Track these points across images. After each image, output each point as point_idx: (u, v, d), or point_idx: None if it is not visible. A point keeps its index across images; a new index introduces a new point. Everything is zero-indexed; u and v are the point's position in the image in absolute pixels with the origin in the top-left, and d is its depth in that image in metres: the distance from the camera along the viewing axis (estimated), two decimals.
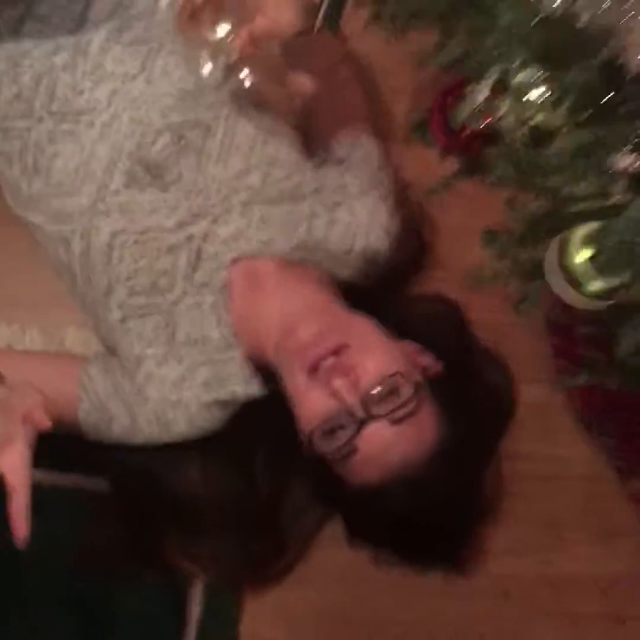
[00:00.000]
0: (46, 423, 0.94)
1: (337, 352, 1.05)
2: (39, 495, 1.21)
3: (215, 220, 1.13)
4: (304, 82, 1.31)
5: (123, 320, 1.12)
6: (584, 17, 0.74)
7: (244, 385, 1.13)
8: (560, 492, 1.28)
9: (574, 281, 0.90)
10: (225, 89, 1.17)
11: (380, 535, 1.15)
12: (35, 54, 1.19)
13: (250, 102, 1.22)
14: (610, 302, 0.86)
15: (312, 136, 1.33)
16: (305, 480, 1.18)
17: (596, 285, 0.88)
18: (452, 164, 1.24)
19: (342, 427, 1.04)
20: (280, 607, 1.24)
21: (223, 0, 1.01)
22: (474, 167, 1.05)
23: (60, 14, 1.22)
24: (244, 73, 1.08)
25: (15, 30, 1.22)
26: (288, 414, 1.13)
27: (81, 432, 1.16)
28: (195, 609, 1.24)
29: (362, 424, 1.03)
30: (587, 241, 0.88)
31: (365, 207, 1.21)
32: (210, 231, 1.13)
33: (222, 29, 1.01)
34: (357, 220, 1.20)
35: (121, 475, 1.21)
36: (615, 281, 0.84)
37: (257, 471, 1.19)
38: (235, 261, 1.13)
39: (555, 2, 0.72)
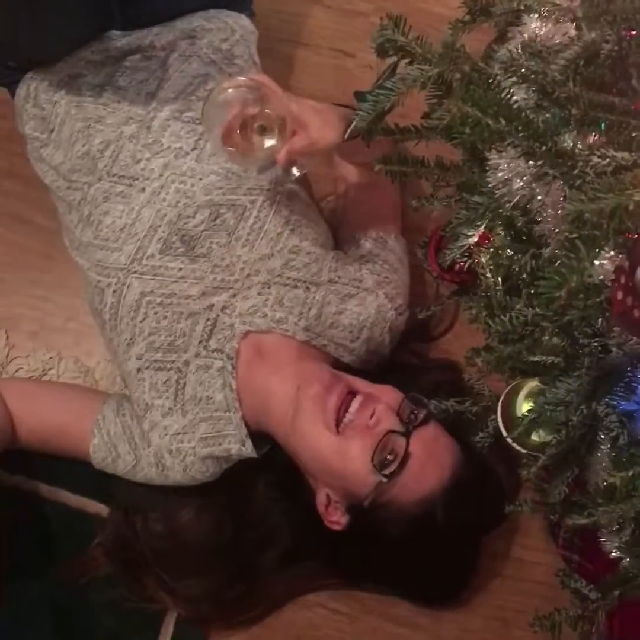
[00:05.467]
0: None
1: (351, 394, 1.17)
2: (46, 509, 1.37)
3: (235, 295, 1.25)
4: (347, 169, 1.41)
5: (139, 370, 1.24)
6: None
7: (238, 445, 1.23)
8: (516, 593, 1.35)
9: (513, 428, 0.99)
10: (267, 176, 1.29)
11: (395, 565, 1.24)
12: (109, 121, 1.33)
13: (294, 183, 1.33)
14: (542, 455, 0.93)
15: (342, 225, 1.44)
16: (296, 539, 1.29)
17: (532, 437, 0.96)
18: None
19: (391, 450, 1.13)
20: None
21: (269, 116, 1.13)
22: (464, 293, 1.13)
23: (137, 88, 1.34)
24: (292, 168, 1.19)
25: (96, 94, 1.35)
26: (284, 475, 1.25)
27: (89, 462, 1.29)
28: (166, 637, 1.34)
29: (408, 434, 1.14)
30: (530, 395, 0.97)
31: (376, 302, 1.30)
32: (229, 304, 1.25)
33: (267, 142, 1.14)
34: (366, 313, 1.29)
35: (122, 503, 1.34)
36: (546, 438, 0.91)
37: (246, 525, 1.30)
38: (246, 334, 1.24)
39: None
